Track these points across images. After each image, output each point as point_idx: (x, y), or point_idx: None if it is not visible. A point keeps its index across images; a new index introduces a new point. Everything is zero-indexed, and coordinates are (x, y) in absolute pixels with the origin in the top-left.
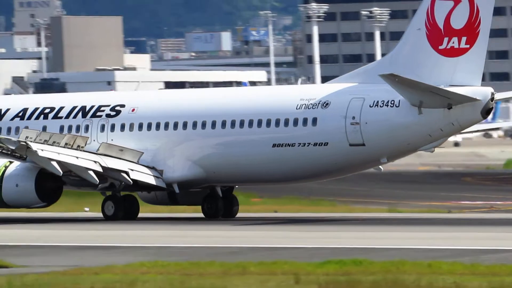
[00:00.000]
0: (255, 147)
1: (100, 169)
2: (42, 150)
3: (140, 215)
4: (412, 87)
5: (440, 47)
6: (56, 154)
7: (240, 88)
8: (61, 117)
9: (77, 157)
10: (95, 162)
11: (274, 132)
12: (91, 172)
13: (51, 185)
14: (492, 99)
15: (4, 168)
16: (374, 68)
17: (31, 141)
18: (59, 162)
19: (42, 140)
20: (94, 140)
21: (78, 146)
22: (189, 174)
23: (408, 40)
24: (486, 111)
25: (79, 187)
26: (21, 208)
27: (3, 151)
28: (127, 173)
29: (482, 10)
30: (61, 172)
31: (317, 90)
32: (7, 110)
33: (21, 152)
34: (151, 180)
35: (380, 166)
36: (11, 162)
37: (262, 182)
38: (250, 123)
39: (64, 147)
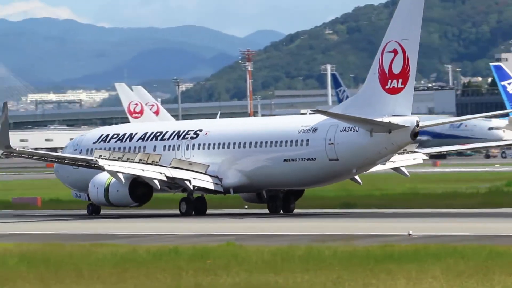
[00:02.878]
0: (273, 161)
1: (164, 178)
2: (108, 165)
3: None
4: (342, 118)
5: (386, 87)
6: (122, 168)
7: (264, 118)
8: (164, 139)
9: (143, 170)
10: (160, 173)
11: (284, 151)
12: (155, 181)
13: (142, 190)
14: (417, 125)
15: (108, 179)
16: (348, 103)
17: (105, 159)
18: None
19: (116, 157)
20: (182, 156)
21: (153, 161)
22: (239, 181)
23: (368, 82)
24: (413, 135)
25: (163, 191)
26: (121, 207)
27: (93, 165)
28: (189, 181)
29: (411, 60)
30: (123, 181)
31: (311, 119)
32: (135, 133)
33: (97, 167)
34: (210, 186)
35: (359, 180)
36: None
37: (282, 187)
38: (271, 143)
39: (139, 162)
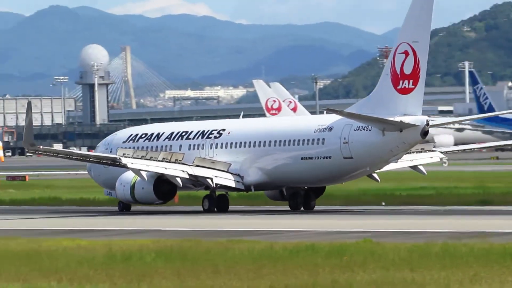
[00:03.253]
0: (291, 159)
1: (187, 176)
2: (132, 163)
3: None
4: (354, 118)
5: (398, 87)
6: (145, 166)
7: (283, 118)
8: (189, 138)
9: (165, 168)
10: (183, 171)
11: (302, 149)
12: (178, 179)
13: (166, 187)
14: (427, 124)
15: (135, 177)
16: (362, 103)
17: (128, 157)
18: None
19: (139, 156)
20: (206, 155)
21: (176, 159)
22: (260, 179)
23: (381, 83)
24: (423, 133)
25: (184, 189)
26: (147, 204)
27: (118, 163)
28: (211, 179)
29: (422, 61)
30: (146, 179)
31: (328, 119)
32: (163, 133)
33: (121, 165)
34: (231, 183)
35: (377, 178)
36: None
37: (300, 184)
38: (289, 142)
39: (162, 160)
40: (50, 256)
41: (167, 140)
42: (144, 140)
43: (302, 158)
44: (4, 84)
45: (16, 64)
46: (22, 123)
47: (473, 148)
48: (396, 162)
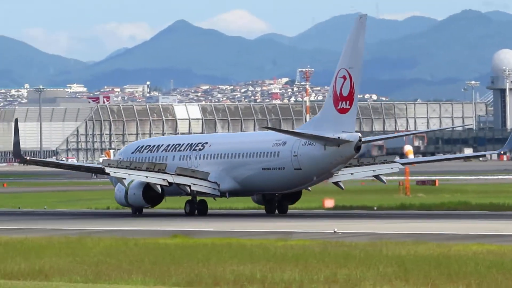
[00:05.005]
0: (255, 170)
1: (167, 184)
2: (114, 172)
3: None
4: (290, 134)
5: (338, 108)
6: (127, 175)
7: (247, 133)
8: (180, 150)
9: (146, 176)
10: (163, 179)
11: (263, 161)
12: (158, 186)
13: (154, 193)
14: (360, 140)
15: (130, 183)
16: (311, 121)
17: (113, 166)
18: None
19: (123, 166)
20: (192, 165)
21: (159, 169)
22: (233, 186)
23: (326, 103)
24: (356, 148)
25: (171, 195)
26: (138, 207)
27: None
28: (190, 186)
29: (355, 85)
30: (126, 187)
31: (283, 135)
32: (161, 145)
33: (105, 173)
34: (208, 190)
35: (342, 186)
36: (132, 181)
37: (263, 192)
38: (253, 155)
39: (146, 170)
40: (459, 260)
41: (164, 151)
42: (147, 151)
43: (263, 169)
44: (415, 88)
45: (427, 68)
46: (432, 127)
47: (433, 160)
48: (337, 173)
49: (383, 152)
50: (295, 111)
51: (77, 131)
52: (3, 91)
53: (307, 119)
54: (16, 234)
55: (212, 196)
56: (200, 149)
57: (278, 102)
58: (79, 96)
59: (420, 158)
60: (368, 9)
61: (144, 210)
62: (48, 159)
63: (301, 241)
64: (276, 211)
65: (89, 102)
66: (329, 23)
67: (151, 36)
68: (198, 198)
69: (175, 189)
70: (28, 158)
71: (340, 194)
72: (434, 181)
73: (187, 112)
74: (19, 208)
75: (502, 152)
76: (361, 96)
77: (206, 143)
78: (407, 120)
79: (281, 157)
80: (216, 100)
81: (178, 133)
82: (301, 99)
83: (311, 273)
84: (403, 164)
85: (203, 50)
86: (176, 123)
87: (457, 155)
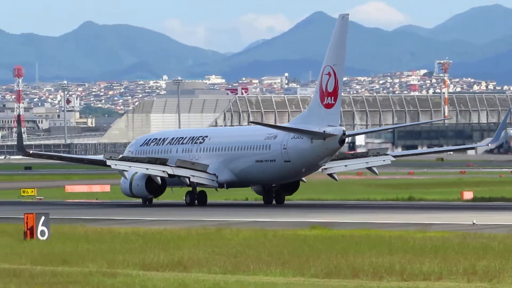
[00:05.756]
0: (249, 162)
1: (167, 176)
2: (115, 164)
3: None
4: (277, 128)
5: (324, 103)
6: (127, 167)
7: (243, 128)
8: (183, 143)
9: (147, 168)
10: (163, 171)
11: (256, 154)
12: (158, 178)
13: (155, 184)
14: (344, 134)
15: (134, 175)
16: (301, 116)
17: (115, 159)
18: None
19: (126, 158)
20: (193, 157)
21: (161, 162)
22: (230, 178)
23: (313, 99)
24: (341, 141)
25: (174, 186)
26: (141, 198)
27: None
28: (189, 178)
29: (340, 81)
30: (128, 178)
31: (274, 130)
32: (166, 138)
33: (107, 165)
34: (206, 182)
35: (336, 177)
36: (136, 173)
37: (258, 183)
38: (248, 148)
39: (148, 162)
40: None
41: (168, 144)
42: (154, 144)
43: (256, 161)
44: None
45: None
46: None
47: (422, 153)
48: (324, 165)
49: None
50: (433, 102)
51: (216, 122)
52: (141, 82)
53: (446, 111)
54: (155, 225)
55: (210, 187)
56: (200, 142)
57: (416, 93)
58: (217, 88)
59: (411, 151)
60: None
61: (159, 201)
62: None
63: (439, 233)
64: (274, 201)
65: (227, 94)
66: (467, 15)
67: (289, 28)
68: (198, 189)
69: (176, 181)
70: (31, 151)
71: (479, 186)
72: None
73: None
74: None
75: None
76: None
77: (206, 136)
78: None
79: (272, 150)
80: (354, 92)
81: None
82: (439, 91)
83: (450, 265)
84: (394, 156)
85: None
86: None
87: (450, 147)
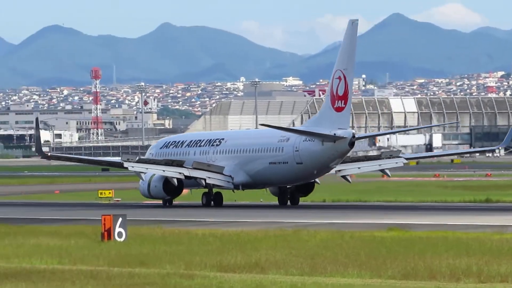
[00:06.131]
0: (263, 164)
1: (183, 177)
2: (132, 166)
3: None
4: (289, 131)
5: (335, 106)
6: (144, 169)
7: (258, 130)
8: (200, 146)
9: (163, 170)
10: (179, 173)
11: (270, 156)
12: (174, 179)
13: (172, 186)
14: (353, 137)
15: (152, 176)
16: (312, 119)
17: (132, 161)
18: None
19: (142, 160)
20: (210, 159)
21: (177, 164)
22: (245, 180)
23: (325, 103)
24: (350, 144)
25: (191, 187)
26: (158, 199)
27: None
28: (205, 179)
29: (349, 85)
30: (144, 180)
31: (287, 132)
32: (185, 141)
33: (124, 167)
34: (222, 183)
35: (349, 179)
36: (154, 174)
37: (272, 185)
38: (262, 150)
39: (164, 164)
40: None
41: (186, 147)
42: (173, 147)
43: (270, 163)
44: None
45: None
46: None
47: (436, 155)
48: (335, 167)
49: None
50: (511, 104)
51: (293, 124)
52: (219, 84)
53: None
54: (232, 227)
55: (226, 189)
56: (217, 145)
57: (493, 95)
58: (294, 89)
59: (424, 153)
60: None
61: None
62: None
63: None
64: (289, 202)
65: (305, 96)
66: None
67: (366, 29)
68: (214, 190)
69: (193, 182)
70: (49, 153)
71: None
72: None
73: (403, 105)
74: (235, 200)
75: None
76: None
77: (223, 139)
78: None
79: (285, 152)
80: (432, 93)
81: (393, 127)
82: None
83: None
84: (407, 159)
85: (418, 43)
86: (392, 116)
87: (462, 150)
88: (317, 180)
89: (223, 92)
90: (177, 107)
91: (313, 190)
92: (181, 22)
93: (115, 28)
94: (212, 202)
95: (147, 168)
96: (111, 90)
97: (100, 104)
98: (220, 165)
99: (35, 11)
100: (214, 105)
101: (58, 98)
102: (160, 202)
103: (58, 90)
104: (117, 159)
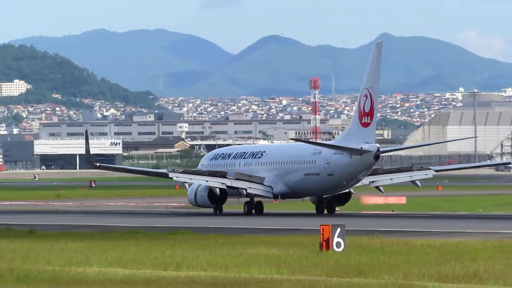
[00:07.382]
0: (299, 175)
1: (225, 187)
2: (177, 177)
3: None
4: (319, 145)
5: (362, 122)
6: (188, 179)
7: (295, 144)
8: (245, 158)
9: (206, 181)
10: (222, 183)
11: (305, 168)
12: (217, 189)
13: (217, 195)
14: (378, 150)
15: (199, 186)
16: (344, 133)
17: (177, 172)
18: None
19: (187, 171)
20: (253, 171)
21: (220, 175)
22: (284, 190)
23: (353, 118)
24: (375, 157)
25: (234, 196)
26: (204, 208)
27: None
28: (246, 189)
29: (375, 102)
30: (188, 189)
31: (319, 146)
32: (232, 153)
33: (169, 178)
34: (262, 193)
35: (381, 189)
36: (200, 185)
37: (307, 195)
38: (297, 162)
39: (208, 175)
40: None
41: (233, 158)
42: (221, 159)
43: (304, 175)
44: None
45: None
46: None
47: (464, 167)
48: (362, 179)
49: None
50: None
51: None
52: (437, 94)
53: None
54: (451, 237)
55: (266, 198)
56: (259, 157)
57: None
58: None
59: (452, 166)
60: None
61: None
62: (120, 165)
63: None
64: (326, 211)
65: None
66: None
67: None
68: (256, 199)
69: (236, 192)
70: (98, 164)
71: None
72: None
73: None
74: (453, 211)
75: None
76: None
77: (264, 151)
78: None
79: (317, 165)
80: None
81: None
82: None
83: None
84: (436, 171)
85: None
86: None
87: (487, 162)
88: (351, 190)
89: (442, 102)
90: (396, 117)
91: (349, 200)
92: (400, 32)
93: (334, 38)
94: (253, 211)
95: (191, 179)
96: (330, 100)
97: (319, 114)
98: (261, 176)
99: (254, 21)
100: (433, 115)
101: (277, 108)
102: (211, 210)
103: (277, 100)
104: (163, 170)
